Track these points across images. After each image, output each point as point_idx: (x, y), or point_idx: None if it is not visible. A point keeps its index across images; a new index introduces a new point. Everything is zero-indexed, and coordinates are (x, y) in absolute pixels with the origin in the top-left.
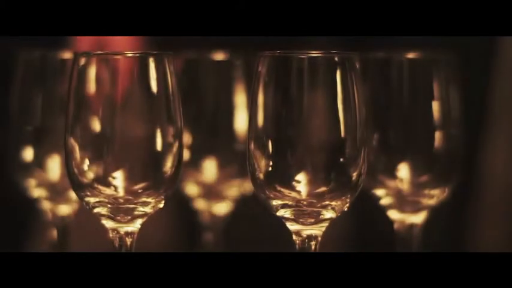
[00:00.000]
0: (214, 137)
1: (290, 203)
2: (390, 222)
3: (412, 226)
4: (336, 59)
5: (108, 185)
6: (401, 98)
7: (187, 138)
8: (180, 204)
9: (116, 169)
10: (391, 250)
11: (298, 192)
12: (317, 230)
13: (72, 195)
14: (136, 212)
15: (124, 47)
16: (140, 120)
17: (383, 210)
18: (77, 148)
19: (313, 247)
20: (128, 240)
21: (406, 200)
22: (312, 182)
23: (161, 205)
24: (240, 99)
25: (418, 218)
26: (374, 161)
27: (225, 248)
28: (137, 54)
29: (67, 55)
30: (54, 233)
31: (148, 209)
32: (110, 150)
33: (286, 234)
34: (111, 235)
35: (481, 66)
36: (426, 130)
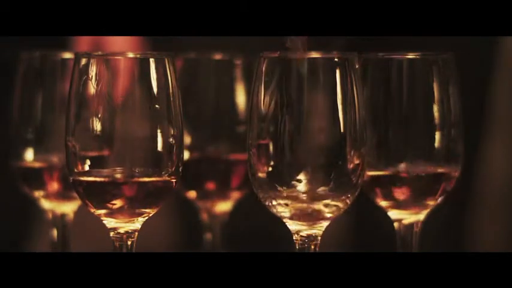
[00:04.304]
0: (214, 137)
1: (290, 202)
2: (390, 222)
3: (412, 226)
4: (336, 59)
5: None
6: (401, 98)
7: (187, 138)
8: (180, 204)
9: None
10: (391, 250)
11: (298, 192)
12: (317, 230)
13: (73, 195)
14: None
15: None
16: (141, 120)
17: (383, 210)
18: (77, 148)
19: (313, 247)
20: (129, 241)
21: (406, 200)
22: (312, 182)
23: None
24: (240, 99)
25: (418, 218)
26: (374, 161)
27: (225, 247)
28: (138, 55)
29: (67, 55)
30: (54, 233)
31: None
32: (110, 150)
33: (286, 234)
34: (111, 235)
35: (481, 66)
36: (426, 130)
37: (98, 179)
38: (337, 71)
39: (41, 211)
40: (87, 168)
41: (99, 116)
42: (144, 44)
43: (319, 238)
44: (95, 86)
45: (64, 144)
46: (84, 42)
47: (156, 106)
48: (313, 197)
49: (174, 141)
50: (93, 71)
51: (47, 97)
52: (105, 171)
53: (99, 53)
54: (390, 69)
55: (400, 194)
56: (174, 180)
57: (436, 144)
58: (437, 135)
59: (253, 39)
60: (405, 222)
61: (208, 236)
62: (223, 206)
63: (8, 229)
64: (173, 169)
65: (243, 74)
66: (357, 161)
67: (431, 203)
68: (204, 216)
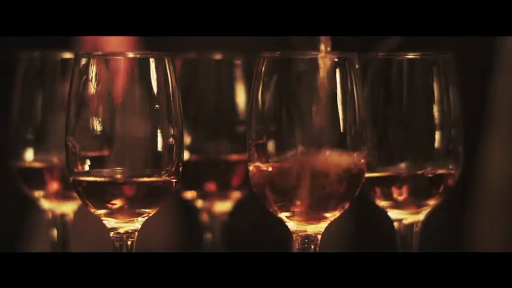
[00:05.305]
0: (214, 137)
1: (290, 203)
2: (390, 222)
3: (412, 226)
4: (336, 59)
5: None
6: (401, 98)
7: (187, 138)
8: (180, 204)
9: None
10: (391, 250)
11: (299, 192)
12: (317, 230)
13: (73, 195)
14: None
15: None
16: (141, 120)
17: (383, 210)
18: (77, 148)
19: (313, 247)
20: (129, 241)
21: (406, 200)
22: (312, 182)
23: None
24: (240, 99)
25: (418, 218)
26: (374, 161)
27: (225, 247)
28: (138, 55)
29: (67, 55)
30: (54, 233)
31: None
32: (110, 150)
33: (286, 234)
34: (111, 235)
35: (481, 66)
36: (426, 130)
37: (98, 179)
38: (337, 71)
39: (41, 211)
40: (87, 168)
41: (99, 116)
42: (143, 43)
43: (319, 238)
44: (95, 86)
45: (64, 144)
46: (83, 42)
47: (156, 106)
48: (313, 196)
49: (174, 141)
50: (93, 71)
51: (47, 97)
52: (105, 171)
53: (99, 53)
54: (390, 69)
55: (400, 194)
56: (174, 180)
57: (436, 144)
58: (437, 135)
59: (253, 39)
60: (405, 222)
61: (208, 236)
62: (223, 206)
63: (8, 229)
64: (173, 169)
65: (243, 74)
66: (356, 161)
67: (431, 203)
68: (204, 216)
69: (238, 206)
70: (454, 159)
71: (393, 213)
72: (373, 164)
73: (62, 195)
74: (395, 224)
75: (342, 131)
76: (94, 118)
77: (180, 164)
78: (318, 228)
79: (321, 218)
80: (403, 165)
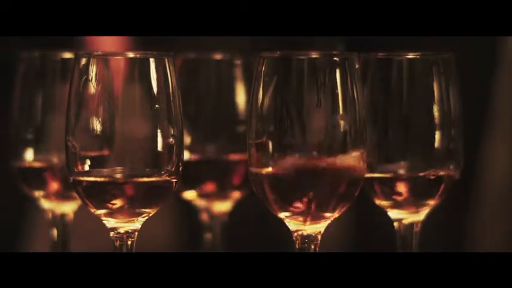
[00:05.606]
0: (214, 137)
1: (290, 203)
2: (390, 222)
3: (412, 226)
4: (336, 59)
5: None
6: (401, 98)
7: (187, 138)
8: (180, 204)
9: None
10: (391, 250)
11: (299, 192)
12: (317, 230)
13: (73, 195)
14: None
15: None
16: (141, 120)
17: (383, 210)
18: (77, 148)
19: (313, 247)
20: (129, 240)
21: (406, 200)
22: (312, 182)
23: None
24: (240, 99)
25: (418, 218)
26: (374, 161)
27: (225, 247)
28: (138, 55)
29: (67, 55)
30: (54, 233)
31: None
32: (110, 150)
33: (286, 234)
34: (111, 235)
35: (481, 66)
36: (426, 130)
37: (98, 179)
38: (337, 71)
39: (41, 211)
40: (87, 168)
41: (99, 116)
42: (143, 44)
43: (319, 238)
44: (95, 86)
45: (64, 144)
46: (84, 42)
47: (156, 106)
48: (313, 197)
49: (174, 141)
50: (93, 71)
51: (47, 97)
52: (105, 171)
53: (99, 53)
54: (390, 69)
55: (400, 194)
56: (174, 180)
57: (436, 144)
58: (437, 135)
59: (253, 39)
60: (405, 222)
61: (208, 236)
62: (223, 206)
63: (8, 229)
64: (173, 169)
65: (243, 74)
66: (357, 161)
67: (431, 202)
68: (204, 216)
69: (238, 206)
70: (454, 159)
71: (393, 213)
72: (373, 164)
73: (62, 195)
74: (396, 224)
75: (342, 131)
76: (94, 118)
77: (180, 164)
78: (317, 228)
79: (320, 218)
80: (403, 165)
